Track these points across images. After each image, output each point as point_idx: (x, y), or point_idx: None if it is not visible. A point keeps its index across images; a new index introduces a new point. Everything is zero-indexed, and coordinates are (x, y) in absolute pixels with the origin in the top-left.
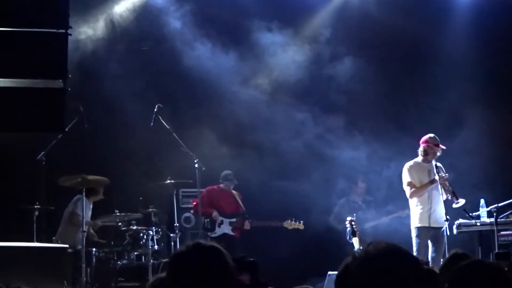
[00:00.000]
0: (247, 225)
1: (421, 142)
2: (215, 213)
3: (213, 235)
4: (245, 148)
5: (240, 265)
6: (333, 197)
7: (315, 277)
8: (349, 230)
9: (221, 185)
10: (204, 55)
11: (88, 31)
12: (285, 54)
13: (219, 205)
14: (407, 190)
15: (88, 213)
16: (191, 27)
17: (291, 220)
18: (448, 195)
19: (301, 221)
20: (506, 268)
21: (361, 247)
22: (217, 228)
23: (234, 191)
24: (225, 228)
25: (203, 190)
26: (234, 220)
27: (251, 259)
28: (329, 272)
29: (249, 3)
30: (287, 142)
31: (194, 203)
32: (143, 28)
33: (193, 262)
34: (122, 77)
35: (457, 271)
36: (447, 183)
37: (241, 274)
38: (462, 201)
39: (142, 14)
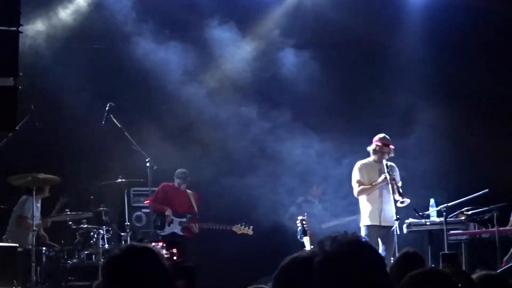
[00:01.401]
0: (194, 228)
1: (372, 141)
2: (168, 212)
3: (162, 233)
4: (194, 145)
5: (177, 270)
6: (281, 194)
7: (266, 277)
8: (300, 229)
9: (175, 183)
10: (153, 52)
11: (39, 28)
12: (235, 52)
13: (173, 203)
14: (355, 188)
15: (37, 213)
16: (140, 24)
17: (241, 225)
18: (395, 194)
19: (251, 227)
20: (451, 271)
21: (312, 247)
22: (166, 226)
23: (189, 191)
24: (175, 227)
25: (155, 189)
26: (184, 220)
27: (188, 265)
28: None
29: (205, 2)
30: (236, 139)
31: (146, 202)
32: (93, 26)
33: (126, 264)
34: (73, 76)
35: (410, 278)
36: (395, 182)
37: (177, 279)
38: (407, 201)
39: (91, 11)
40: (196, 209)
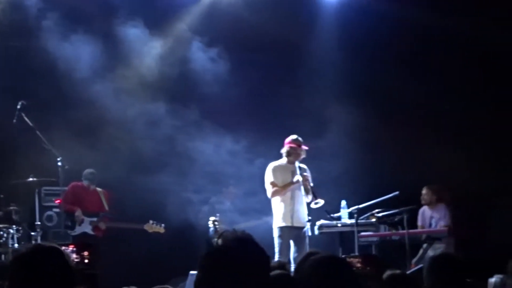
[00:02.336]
0: (102, 225)
1: (285, 143)
2: (78, 212)
3: (73, 234)
4: (104, 144)
5: (80, 277)
6: (191, 193)
7: (178, 277)
8: (212, 230)
9: (84, 182)
10: (62, 49)
11: None
12: (145, 49)
13: (83, 203)
14: (269, 189)
15: None
16: (47, 19)
17: (152, 223)
18: (308, 195)
19: (162, 225)
20: (358, 260)
21: None
22: (77, 226)
23: (100, 189)
24: (85, 227)
25: (66, 188)
26: (94, 219)
27: (92, 272)
28: (191, 272)
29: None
30: (145, 137)
31: (57, 202)
32: (12, 24)
33: (32, 263)
34: None
35: (312, 263)
36: (308, 183)
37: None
38: (321, 202)
39: (11, 9)
40: (107, 208)
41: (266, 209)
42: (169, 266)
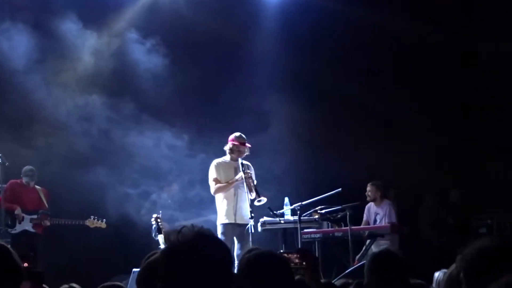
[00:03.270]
0: (46, 223)
1: (228, 140)
2: (17, 210)
3: (13, 232)
4: (39, 139)
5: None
6: (129, 188)
7: (120, 275)
8: (154, 227)
9: (23, 180)
10: (12, 49)
11: None
12: (81, 44)
13: (21, 200)
14: (212, 186)
15: None
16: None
17: (93, 219)
18: (251, 193)
19: (104, 220)
20: (296, 255)
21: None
22: (17, 224)
23: (38, 187)
24: (26, 225)
25: (4, 185)
26: (35, 216)
27: (37, 270)
28: (134, 269)
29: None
30: (80, 131)
31: None
32: None
33: None
34: None
35: (246, 261)
36: (251, 181)
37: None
38: (264, 199)
39: None
40: (46, 205)
41: (206, 205)
42: (111, 263)
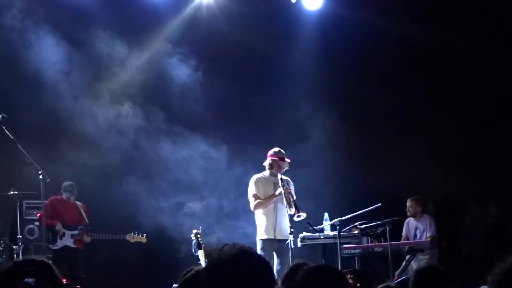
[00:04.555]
0: (86, 238)
1: (267, 155)
2: (58, 226)
3: (55, 247)
4: (73, 153)
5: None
6: (160, 199)
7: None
8: (194, 243)
9: (63, 195)
10: (53, 66)
11: None
12: (137, 67)
13: (62, 216)
14: (252, 201)
15: None
16: (42, 37)
17: (134, 233)
18: (291, 208)
19: (144, 234)
20: (350, 275)
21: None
22: (58, 240)
23: (78, 203)
24: (67, 240)
25: (45, 201)
26: (75, 232)
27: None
28: (174, 285)
29: (95, 11)
30: (117, 146)
31: (38, 215)
32: None
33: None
34: None
35: (306, 272)
36: (290, 196)
37: None
38: (303, 215)
39: None
40: (86, 220)
41: (242, 218)
42: (148, 278)
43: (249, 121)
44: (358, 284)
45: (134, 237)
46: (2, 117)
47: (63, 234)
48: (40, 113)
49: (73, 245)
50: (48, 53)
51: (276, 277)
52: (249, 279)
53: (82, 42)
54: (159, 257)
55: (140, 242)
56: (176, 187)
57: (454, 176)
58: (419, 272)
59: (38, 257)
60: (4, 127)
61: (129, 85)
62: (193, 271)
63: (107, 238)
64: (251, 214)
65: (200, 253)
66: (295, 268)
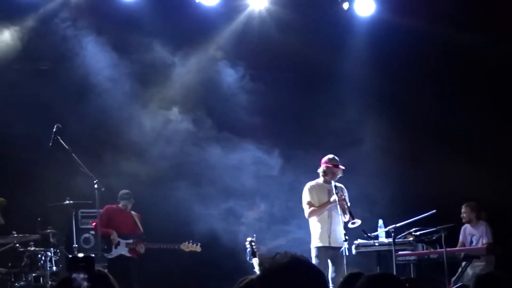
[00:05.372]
0: (140, 248)
1: (321, 162)
2: (113, 235)
3: (110, 256)
4: (146, 168)
5: None
6: (211, 207)
7: None
8: (249, 251)
9: (119, 204)
10: (102, 74)
11: None
12: (187, 74)
13: (117, 225)
14: (306, 209)
15: None
16: (93, 47)
17: (188, 242)
18: (345, 215)
19: (199, 244)
20: (406, 283)
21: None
22: (113, 249)
23: (133, 212)
24: (122, 249)
25: (101, 210)
26: (130, 241)
27: None
28: None
29: (148, 21)
30: (189, 162)
31: (94, 224)
32: (37, 46)
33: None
34: (20, 96)
35: (368, 279)
36: (344, 203)
37: None
38: (358, 222)
39: (44, 32)
40: (141, 230)
41: (294, 224)
42: (202, 286)
43: (298, 128)
44: None
45: (188, 246)
46: (57, 127)
47: (118, 243)
48: (88, 122)
49: (128, 254)
50: (96, 61)
51: (331, 285)
52: (301, 287)
53: (131, 50)
54: (212, 265)
55: (195, 252)
56: (226, 194)
57: (509, 182)
58: (480, 278)
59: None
60: (59, 137)
61: (178, 92)
62: (247, 280)
63: (161, 247)
64: (304, 219)
65: (255, 261)
66: (350, 277)
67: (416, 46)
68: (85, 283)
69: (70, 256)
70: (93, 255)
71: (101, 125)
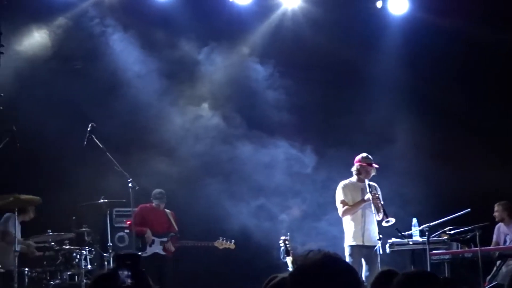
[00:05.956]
0: (169, 246)
1: (355, 161)
2: (148, 234)
3: (144, 255)
4: (176, 166)
5: None
6: (245, 205)
7: None
8: (283, 249)
9: (153, 203)
10: (142, 75)
11: (22, 49)
12: (221, 73)
13: (151, 224)
14: (340, 208)
15: (19, 233)
16: (131, 48)
17: (222, 240)
18: (379, 213)
19: (232, 241)
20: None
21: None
22: (148, 247)
23: (167, 210)
24: (156, 248)
25: (135, 209)
26: (165, 239)
27: None
28: None
29: (183, 21)
30: (220, 160)
31: (128, 223)
32: (81, 48)
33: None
34: (54, 96)
35: (406, 278)
36: (378, 201)
37: None
38: (392, 220)
39: (80, 33)
40: (176, 228)
41: (327, 223)
42: (235, 284)
43: (330, 126)
44: None
45: (222, 244)
46: (92, 126)
47: (153, 242)
48: (119, 120)
49: (162, 252)
50: (126, 58)
51: (365, 284)
52: (334, 285)
53: (161, 47)
54: (244, 264)
55: (229, 249)
56: (258, 191)
57: None
58: None
59: None
60: (93, 136)
61: (208, 89)
62: (278, 278)
63: (196, 245)
64: (337, 218)
65: (289, 260)
66: (381, 276)
67: (449, 45)
68: (129, 280)
69: (117, 253)
70: (139, 253)
71: (131, 123)
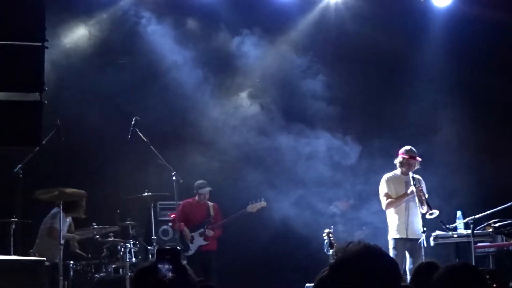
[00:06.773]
0: (209, 233)
1: (398, 153)
2: (185, 231)
3: (187, 254)
4: (216, 158)
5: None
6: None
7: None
8: (326, 242)
9: (196, 197)
10: (180, 67)
11: (65, 43)
12: (261, 64)
13: (191, 219)
14: (383, 201)
15: (65, 227)
16: (168, 39)
17: (252, 202)
18: (423, 206)
19: (262, 199)
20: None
21: None
22: (190, 245)
23: (210, 203)
24: (198, 241)
25: (180, 202)
26: (201, 230)
27: (210, 284)
28: (307, 284)
29: (226, 13)
30: (260, 151)
31: (172, 216)
32: (119, 41)
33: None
34: (98, 90)
35: (448, 271)
36: (422, 194)
37: None
38: (436, 212)
39: (118, 26)
40: (214, 218)
41: (371, 217)
42: (284, 278)
43: (373, 118)
44: (495, 285)
45: (254, 206)
46: (135, 119)
47: (192, 238)
48: (157, 113)
49: (204, 242)
50: (166, 50)
51: (408, 276)
52: (373, 276)
53: (203, 39)
54: (285, 256)
55: (262, 208)
56: (300, 183)
57: None
58: None
59: None
60: (137, 130)
61: (253, 83)
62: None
63: (230, 221)
64: (380, 210)
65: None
66: (421, 267)
67: (493, 38)
68: (170, 274)
69: (158, 248)
70: (179, 248)
71: (170, 116)
